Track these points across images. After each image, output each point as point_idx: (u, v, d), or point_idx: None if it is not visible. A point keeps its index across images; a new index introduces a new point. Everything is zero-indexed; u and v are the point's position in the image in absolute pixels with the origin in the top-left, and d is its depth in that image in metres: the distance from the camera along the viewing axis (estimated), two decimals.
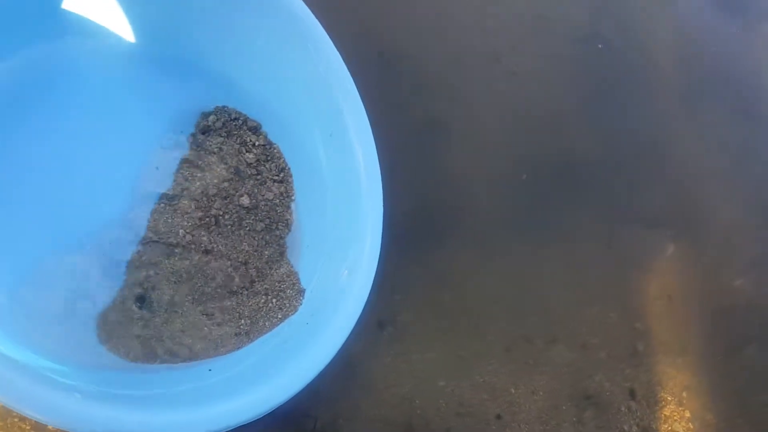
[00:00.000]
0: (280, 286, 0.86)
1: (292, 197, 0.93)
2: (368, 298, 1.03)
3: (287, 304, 0.84)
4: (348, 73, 0.88)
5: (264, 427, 0.89)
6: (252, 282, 0.85)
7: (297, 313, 0.83)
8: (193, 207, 0.84)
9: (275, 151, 0.94)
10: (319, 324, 0.78)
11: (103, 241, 0.78)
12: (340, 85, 0.88)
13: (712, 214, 1.29)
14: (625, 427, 1.04)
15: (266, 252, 0.87)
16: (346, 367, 0.97)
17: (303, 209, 0.93)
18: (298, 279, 0.87)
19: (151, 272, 0.79)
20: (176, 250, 0.81)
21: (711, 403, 1.12)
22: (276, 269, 0.87)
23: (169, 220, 0.83)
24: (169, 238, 0.81)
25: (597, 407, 1.05)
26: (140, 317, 0.76)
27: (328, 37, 0.86)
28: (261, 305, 0.84)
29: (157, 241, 0.80)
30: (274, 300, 0.84)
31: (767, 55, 1.51)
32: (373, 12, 1.20)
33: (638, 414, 1.06)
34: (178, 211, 0.83)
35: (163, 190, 0.84)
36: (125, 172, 0.83)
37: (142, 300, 0.77)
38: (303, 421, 0.91)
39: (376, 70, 1.18)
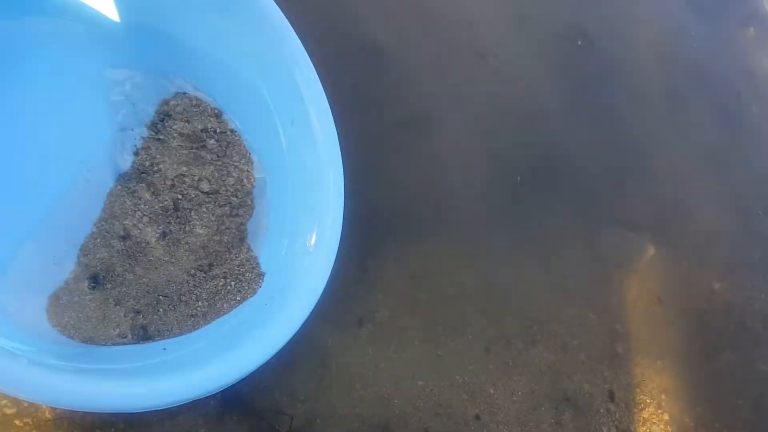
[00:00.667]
0: (239, 270, 0.86)
1: (253, 183, 0.92)
2: (348, 296, 1.02)
3: (246, 287, 0.85)
4: (310, 62, 0.87)
5: (237, 424, 0.88)
6: (210, 266, 0.85)
7: (256, 295, 0.83)
8: (150, 191, 0.83)
9: (236, 138, 0.93)
10: (278, 305, 0.79)
11: (57, 222, 0.76)
12: (302, 73, 0.87)
13: (693, 217, 1.30)
14: (604, 429, 1.05)
15: (225, 237, 0.87)
16: (323, 364, 0.95)
17: (264, 194, 0.93)
18: (257, 263, 0.87)
19: (105, 254, 0.78)
20: (132, 233, 0.80)
21: (689, 406, 1.13)
22: (236, 254, 0.87)
23: (126, 203, 0.82)
24: (125, 220, 0.80)
25: (576, 409, 1.05)
26: (92, 298, 0.75)
27: (290, 25, 0.86)
28: (219, 288, 0.84)
29: (112, 223, 0.79)
30: (232, 283, 0.85)
31: (748, 59, 1.53)
32: (355, 5, 1.19)
33: (617, 416, 1.07)
34: (135, 195, 0.82)
35: (119, 173, 0.83)
36: (81, 154, 0.81)
37: (95, 281, 0.76)
38: (278, 419, 0.89)
39: (358, 64, 1.17)
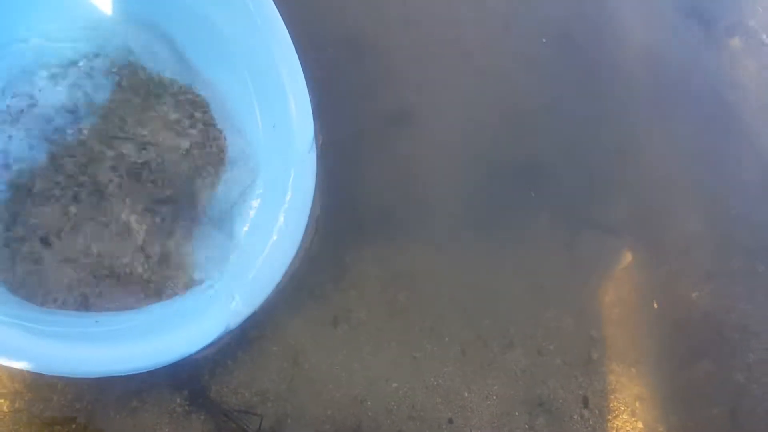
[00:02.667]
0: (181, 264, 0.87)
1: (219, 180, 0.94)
2: (322, 293, 1.02)
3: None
4: (300, 68, 0.89)
5: (204, 424, 0.87)
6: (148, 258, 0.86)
7: (204, 284, 0.85)
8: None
9: (218, 132, 0.95)
10: (221, 294, 0.81)
11: None
12: (290, 78, 0.89)
13: (673, 223, 1.32)
14: None
15: (175, 233, 0.88)
16: (295, 363, 0.95)
17: (227, 192, 0.95)
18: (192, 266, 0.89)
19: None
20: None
21: (663, 414, 1.14)
22: (182, 252, 0.88)
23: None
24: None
25: (550, 414, 1.05)
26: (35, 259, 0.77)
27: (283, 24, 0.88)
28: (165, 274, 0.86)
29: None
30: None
31: (732, 68, 1.55)
32: None
33: (591, 423, 1.07)
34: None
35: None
36: None
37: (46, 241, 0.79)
38: (247, 419, 0.88)
39: (343, 57, 1.16)
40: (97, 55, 0.91)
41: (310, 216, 0.90)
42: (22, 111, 0.84)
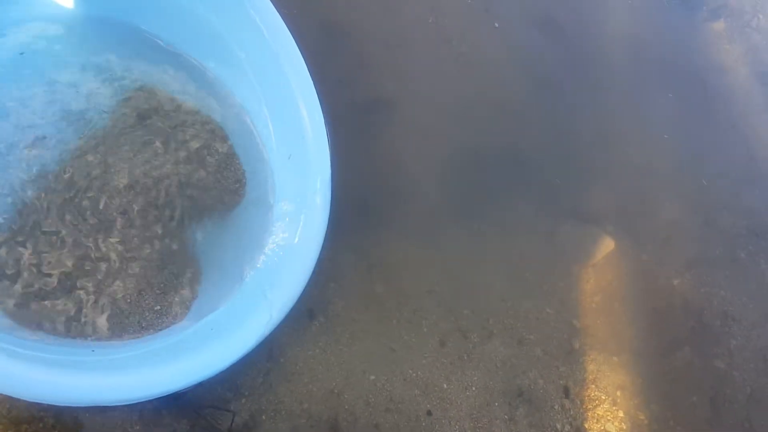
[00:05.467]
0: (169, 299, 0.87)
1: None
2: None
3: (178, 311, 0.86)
4: (319, 107, 0.94)
5: (175, 421, 0.86)
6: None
7: (202, 322, 0.85)
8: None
9: (236, 161, 0.97)
10: (219, 334, 0.81)
11: None
12: (310, 112, 0.94)
13: (654, 211, 1.33)
14: (558, 426, 1.06)
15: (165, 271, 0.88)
16: (269, 357, 0.94)
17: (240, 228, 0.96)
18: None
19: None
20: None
21: (644, 403, 1.15)
22: (187, 286, 0.89)
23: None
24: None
25: (530, 404, 1.06)
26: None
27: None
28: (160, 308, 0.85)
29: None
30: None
31: (716, 52, 1.57)
32: None
33: (571, 413, 1.09)
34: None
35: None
36: None
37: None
38: (219, 416, 0.88)
39: (319, 41, 1.15)
40: (117, 79, 0.92)
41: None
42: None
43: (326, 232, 0.89)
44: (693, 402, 1.19)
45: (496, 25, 1.31)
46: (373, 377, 1.00)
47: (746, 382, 1.24)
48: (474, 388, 1.04)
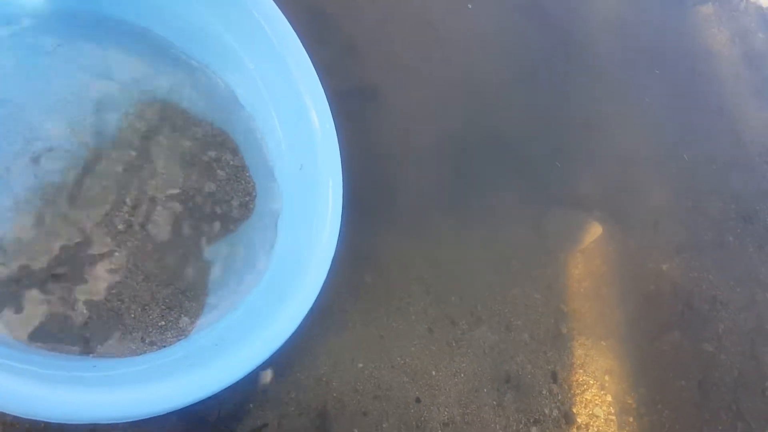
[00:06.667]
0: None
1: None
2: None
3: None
4: (330, 114, 0.95)
5: (160, 415, 0.87)
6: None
7: (209, 336, 0.85)
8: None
9: (246, 174, 0.96)
10: (227, 348, 0.81)
11: None
12: (321, 121, 0.94)
13: (642, 197, 1.34)
14: (546, 411, 1.08)
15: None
16: None
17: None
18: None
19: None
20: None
21: (632, 387, 1.17)
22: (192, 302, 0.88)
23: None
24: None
25: (518, 390, 1.08)
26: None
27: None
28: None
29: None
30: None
31: (704, 36, 1.57)
32: None
33: (559, 397, 1.10)
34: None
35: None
36: None
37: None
38: (206, 407, 0.88)
39: (300, 29, 1.15)
40: (128, 91, 0.91)
41: None
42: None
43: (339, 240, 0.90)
44: (681, 385, 1.21)
45: (470, 6, 1.31)
46: (361, 365, 1.00)
47: (734, 365, 1.26)
48: (462, 375, 1.05)
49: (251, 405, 0.92)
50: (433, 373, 1.03)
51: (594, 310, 1.19)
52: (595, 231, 1.25)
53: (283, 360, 0.96)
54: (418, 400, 1.01)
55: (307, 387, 0.96)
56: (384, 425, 0.97)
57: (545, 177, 1.26)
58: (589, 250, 1.24)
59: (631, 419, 1.14)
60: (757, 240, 1.40)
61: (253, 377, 0.93)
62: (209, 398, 0.89)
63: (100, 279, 0.81)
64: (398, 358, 1.03)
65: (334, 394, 0.97)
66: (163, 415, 0.85)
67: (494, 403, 1.05)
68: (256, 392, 0.93)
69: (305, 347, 0.98)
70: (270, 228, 0.95)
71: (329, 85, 1.14)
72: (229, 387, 0.91)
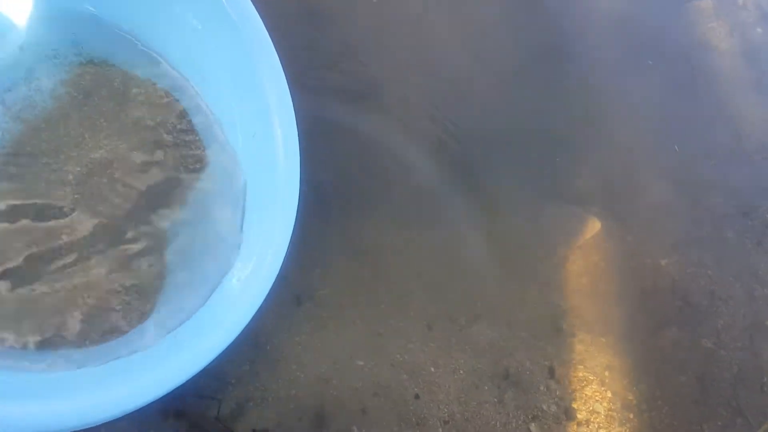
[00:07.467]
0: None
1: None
2: (285, 273, 1.01)
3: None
4: (283, 75, 0.88)
5: (159, 412, 0.87)
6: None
7: (165, 324, 0.80)
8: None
9: (195, 138, 0.91)
10: (182, 344, 0.77)
11: None
12: (273, 85, 0.87)
13: (641, 192, 1.34)
14: (545, 407, 1.08)
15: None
16: (256, 345, 0.95)
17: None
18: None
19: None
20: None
21: (632, 383, 1.17)
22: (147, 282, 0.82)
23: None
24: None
25: (517, 386, 1.08)
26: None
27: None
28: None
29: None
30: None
31: (703, 30, 1.57)
32: None
33: (559, 393, 1.10)
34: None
35: None
36: None
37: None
38: (205, 404, 0.89)
39: (299, 30, 1.15)
40: (61, 56, 0.86)
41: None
42: None
43: (300, 210, 0.85)
44: (681, 381, 1.21)
45: (479, 2, 1.31)
46: (360, 362, 1.01)
47: (733, 360, 1.26)
48: (461, 372, 1.05)
49: (250, 404, 0.93)
50: (432, 369, 1.04)
51: (593, 305, 1.19)
52: (593, 226, 1.26)
53: (282, 357, 0.96)
54: (417, 397, 1.01)
55: (306, 385, 0.96)
56: (383, 422, 0.97)
57: (543, 172, 1.27)
58: (588, 245, 1.24)
59: (631, 415, 1.14)
60: (756, 235, 1.40)
61: (252, 375, 0.94)
62: (208, 397, 0.90)
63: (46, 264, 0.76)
64: (397, 356, 1.03)
65: (333, 392, 0.97)
66: (162, 414, 0.86)
67: (494, 399, 1.05)
68: (255, 391, 0.93)
69: (304, 344, 0.98)
70: (226, 202, 0.89)
71: (327, 85, 1.15)
72: (228, 385, 0.92)
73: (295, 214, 0.85)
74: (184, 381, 0.71)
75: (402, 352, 1.03)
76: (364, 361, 1.01)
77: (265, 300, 0.92)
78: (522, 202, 1.22)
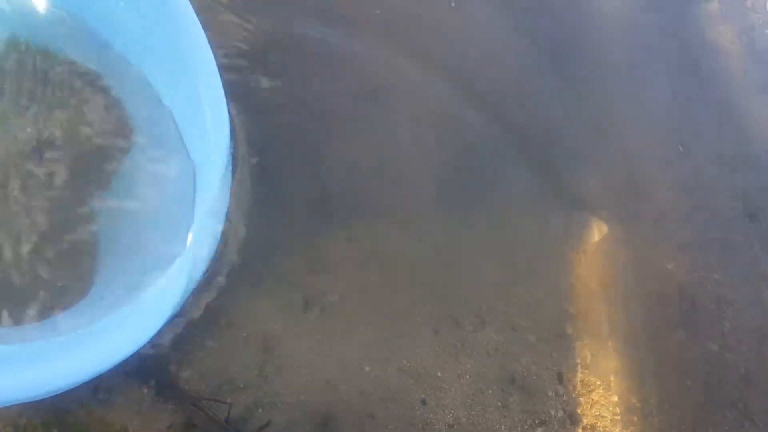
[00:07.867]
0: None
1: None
2: (293, 276, 1.03)
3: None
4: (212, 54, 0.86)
5: (173, 414, 0.89)
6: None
7: (99, 301, 0.81)
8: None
9: (121, 110, 0.91)
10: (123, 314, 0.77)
11: None
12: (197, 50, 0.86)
13: (648, 195, 1.34)
14: (552, 412, 1.09)
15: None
16: (265, 350, 0.97)
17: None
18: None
19: None
20: None
21: (638, 387, 1.17)
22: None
23: None
24: None
25: (523, 391, 1.09)
26: None
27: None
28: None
29: None
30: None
31: (709, 32, 1.57)
32: None
33: (565, 398, 1.11)
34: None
35: None
36: None
37: None
38: (216, 407, 0.90)
39: (309, 35, 1.16)
40: None
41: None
42: None
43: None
44: (687, 385, 1.21)
45: (453, 4, 1.31)
46: (368, 368, 1.02)
47: (740, 363, 1.26)
48: (468, 376, 1.06)
49: (260, 409, 0.94)
50: (439, 374, 1.05)
51: (599, 310, 1.20)
52: (600, 230, 1.26)
53: (291, 362, 0.97)
54: (423, 402, 1.02)
55: (315, 390, 0.97)
56: (390, 427, 0.98)
57: (551, 176, 1.27)
58: (595, 249, 1.25)
59: (636, 419, 1.15)
60: (763, 239, 1.40)
61: (262, 380, 0.95)
62: (218, 401, 0.91)
63: None
64: (404, 361, 1.04)
65: (342, 397, 0.98)
66: (170, 414, 0.88)
67: (499, 404, 1.06)
68: (264, 396, 0.94)
69: (313, 349, 1.00)
70: (154, 174, 0.90)
71: (334, 87, 1.16)
72: (237, 389, 0.93)
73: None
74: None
75: (409, 358, 1.04)
76: (371, 366, 1.02)
77: (273, 305, 0.94)
78: (529, 206, 1.23)
